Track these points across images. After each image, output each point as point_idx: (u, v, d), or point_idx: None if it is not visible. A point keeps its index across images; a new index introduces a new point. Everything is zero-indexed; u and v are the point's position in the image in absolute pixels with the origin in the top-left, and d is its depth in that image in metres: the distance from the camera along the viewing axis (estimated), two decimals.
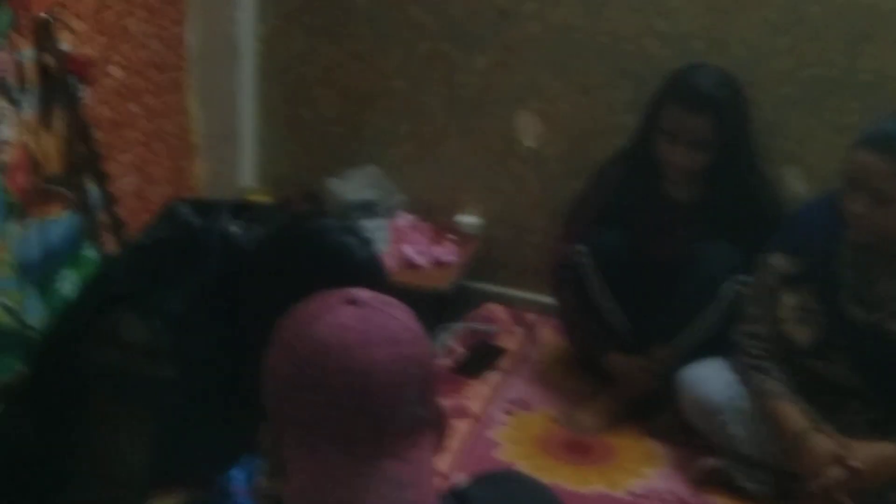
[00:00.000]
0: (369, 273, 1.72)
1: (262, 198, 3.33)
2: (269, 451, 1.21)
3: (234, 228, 1.78)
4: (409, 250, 3.18)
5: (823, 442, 2.38)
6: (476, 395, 2.92)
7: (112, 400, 1.71)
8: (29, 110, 2.40)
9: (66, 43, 2.44)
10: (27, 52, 2.36)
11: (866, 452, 2.34)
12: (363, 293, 1.20)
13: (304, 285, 1.68)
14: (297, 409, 1.15)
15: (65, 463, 1.74)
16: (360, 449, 1.14)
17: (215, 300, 1.74)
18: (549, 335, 3.21)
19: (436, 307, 3.27)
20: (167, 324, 1.71)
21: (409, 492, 1.16)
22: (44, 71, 2.41)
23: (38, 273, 2.45)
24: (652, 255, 2.82)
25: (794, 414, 2.44)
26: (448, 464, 2.59)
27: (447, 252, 3.23)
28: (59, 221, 2.51)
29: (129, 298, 1.73)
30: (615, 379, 2.84)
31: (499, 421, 2.81)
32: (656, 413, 2.82)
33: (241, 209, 1.86)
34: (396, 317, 1.19)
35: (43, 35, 2.38)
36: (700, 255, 2.72)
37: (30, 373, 1.93)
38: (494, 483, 1.32)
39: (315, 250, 1.73)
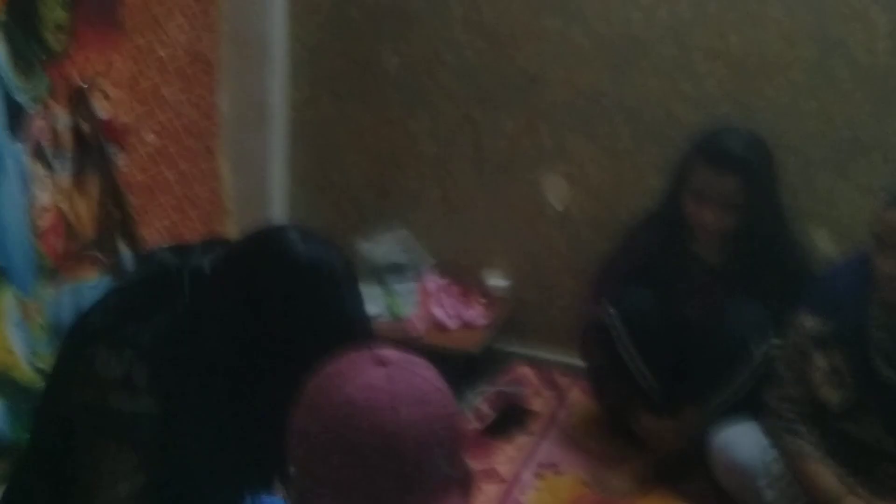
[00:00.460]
0: (309, 269, 1.71)
1: None
2: None
3: (204, 262, 1.80)
4: (438, 312, 3.19)
5: None
6: (505, 457, 2.90)
7: (95, 437, 1.70)
8: (65, 176, 2.44)
9: (102, 110, 2.50)
10: (64, 119, 2.42)
11: None
12: (391, 353, 1.21)
13: (257, 293, 1.70)
14: (328, 471, 1.15)
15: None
16: None
17: (189, 333, 1.74)
18: (579, 397, 3.20)
19: (465, 369, 3.27)
20: (139, 356, 1.71)
21: None
22: (79, 136, 2.47)
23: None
24: (681, 316, 2.81)
25: (827, 477, 2.41)
26: None
27: (476, 314, 3.23)
28: (92, 285, 2.55)
29: (102, 334, 1.74)
30: (645, 441, 2.82)
31: (529, 484, 2.79)
32: (687, 476, 2.79)
33: (213, 245, 1.88)
34: (424, 376, 1.20)
35: (79, 102, 2.44)
36: (730, 316, 2.71)
37: (30, 431, 1.95)
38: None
39: (258, 253, 1.74)
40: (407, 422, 1.15)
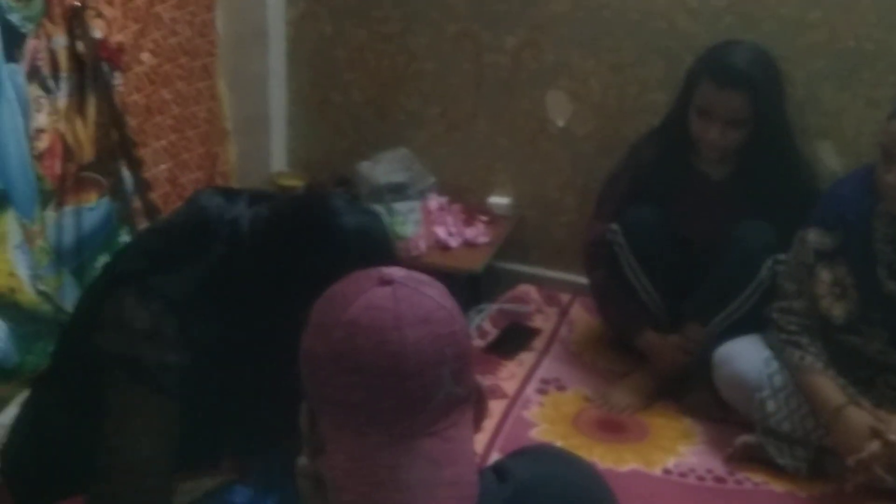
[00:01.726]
0: (355, 238, 1.71)
1: (293, 182, 3.34)
2: (309, 431, 1.21)
3: (248, 213, 1.79)
4: (440, 232, 3.19)
5: (861, 416, 2.37)
6: (510, 375, 2.92)
7: (122, 385, 1.71)
8: (62, 98, 2.42)
9: (97, 30, 2.46)
10: (59, 39, 2.39)
11: None
12: (396, 272, 1.20)
13: (297, 265, 1.69)
14: (334, 391, 1.15)
15: (87, 450, 1.76)
16: (396, 429, 1.14)
17: (221, 286, 1.73)
18: (581, 314, 3.21)
19: (468, 289, 3.28)
20: (167, 308, 1.70)
21: (448, 470, 1.16)
22: (76, 58, 2.44)
23: (73, 259, 2.49)
24: (685, 234, 2.81)
25: (830, 389, 2.43)
26: (483, 444, 2.59)
27: (478, 233, 3.23)
28: (93, 208, 2.54)
29: (132, 280, 1.74)
30: (649, 358, 2.83)
31: (533, 401, 2.81)
32: (691, 390, 2.81)
33: (263, 197, 1.86)
34: (430, 295, 1.19)
35: (75, 23, 2.40)
36: (738, 235, 2.70)
37: (52, 358, 1.95)
38: (533, 456, 1.31)
39: (304, 220, 1.73)
40: (412, 342, 1.14)
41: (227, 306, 1.72)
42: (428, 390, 1.15)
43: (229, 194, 1.86)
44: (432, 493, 1.14)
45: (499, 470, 1.21)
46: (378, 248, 1.73)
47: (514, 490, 1.19)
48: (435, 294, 1.20)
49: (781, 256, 2.62)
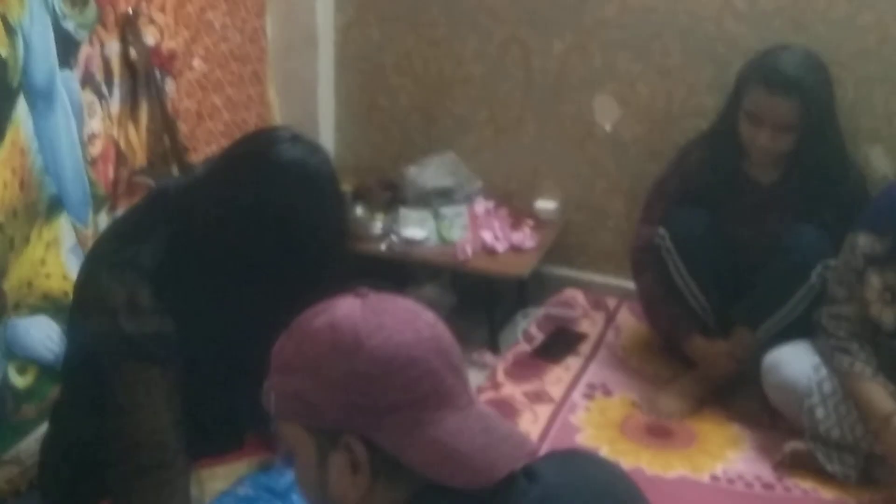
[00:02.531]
0: (293, 166, 1.73)
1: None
2: (348, 468, 1.21)
3: (198, 175, 1.82)
4: (487, 236, 3.19)
5: None
6: (556, 380, 2.92)
7: (115, 363, 1.73)
8: (115, 104, 2.46)
9: (150, 37, 2.50)
10: (113, 46, 2.43)
11: None
12: (370, 291, 1.25)
13: (242, 192, 1.71)
14: (396, 396, 1.17)
15: (106, 435, 1.78)
16: (461, 401, 1.21)
17: (187, 244, 1.76)
18: (628, 318, 3.20)
19: (514, 293, 3.28)
20: (142, 277, 1.73)
21: (507, 421, 1.27)
22: (129, 65, 2.48)
23: None
24: (734, 238, 2.79)
25: (880, 396, 2.41)
26: None
27: (525, 238, 3.23)
28: None
29: (105, 260, 1.77)
30: (697, 363, 2.82)
31: (580, 406, 2.81)
32: (739, 396, 2.79)
33: (206, 161, 1.91)
34: (389, 294, 1.26)
35: (128, 30, 2.45)
36: (789, 240, 2.68)
37: (62, 363, 1.99)
38: (563, 459, 1.34)
39: (244, 153, 1.76)
40: (433, 321, 1.22)
41: (196, 264, 1.74)
42: (461, 359, 1.24)
43: (184, 170, 1.93)
44: (521, 438, 1.24)
45: (528, 471, 1.23)
46: (318, 180, 1.75)
47: (542, 491, 1.21)
48: (409, 303, 1.26)
49: (832, 262, 2.60)
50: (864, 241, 2.47)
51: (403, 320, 1.20)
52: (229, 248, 1.71)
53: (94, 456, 1.83)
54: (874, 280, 2.45)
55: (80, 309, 1.81)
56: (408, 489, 1.19)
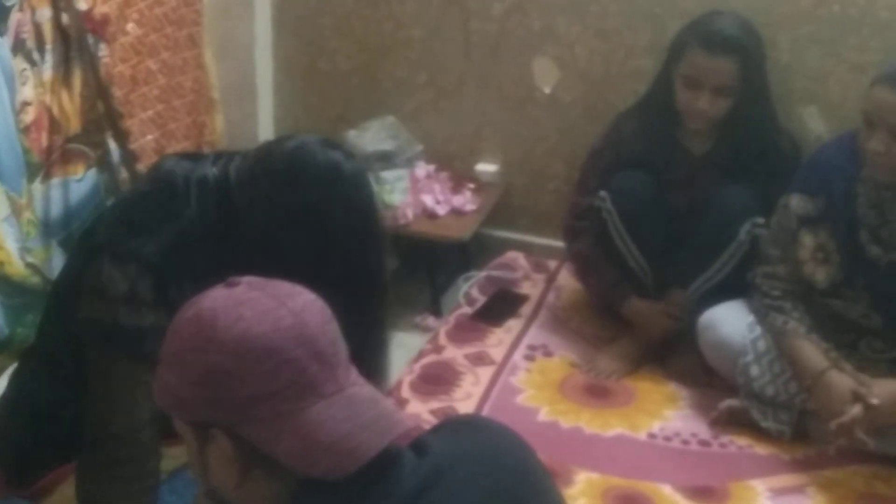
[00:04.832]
0: (357, 186, 1.73)
1: None
2: (201, 462, 1.22)
3: (212, 171, 1.80)
4: (428, 200, 3.19)
5: (842, 380, 2.39)
6: (497, 342, 2.95)
7: (106, 352, 1.73)
8: (48, 70, 2.42)
9: (82, 2, 2.45)
10: (44, 12, 2.38)
11: (885, 389, 2.35)
12: (235, 279, 1.25)
13: (298, 206, 1.70)
14: (256, 388, 1.16)
15: (75, 420, 1.77)
16: (328, 388, 1.19)
17: (201, 244, 1.75)
18: (570, 281, 3.22)
19: (456, 256, 3.30)
20: (146, 270, 1.72)
21: (386, 402, 1.25)
22: (61, 30, 2.43)
23: (61, 231, 2.49)
24: (669, 203, 2.82)
25: (813, 353, 2.46)
26: (471, 410, 2.62)
27: (466, 201, 3.24)
28: (80, 180, 2.54)
29: (107, 247, 1.75)
30: (635, 324, 2.86)
31: (520, 367, 2.84)
32: (676, 356, 2.84)
33: (223, 155, 1.87)
34: (269, 280, 1.26)
35: None
36: (717, 200, 2.73)
37: (37, 331, 1.97)
38: (454, 429, 1.34)
39: (301, 168, 1.73)
40: (299, 309, 1.20)
41: (205, 265, 1.72)
42: (334, 345, 1.21)
43: (194, 157, 1.89)
44: (392, 420, 1.21)
45: (417, 446, 1.24)
46: (352, 183, 1.74)
47: (431, 465, 1.22)
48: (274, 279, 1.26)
49: (760, 220, 2.65)
50: (796, 202, 2.51)
51: (264, 310, 1.18)
52: (268, 253, 1.68)
53: (54, 425, 1.84)
54: (807, 240, 2.50)
55: (75, 293, 1.78)
56: (288, 479, 1.19)
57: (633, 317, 2.84)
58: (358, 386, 1.23)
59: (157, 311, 1.71)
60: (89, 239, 1.85)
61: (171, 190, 1.80)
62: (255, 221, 1.72)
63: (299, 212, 1.70)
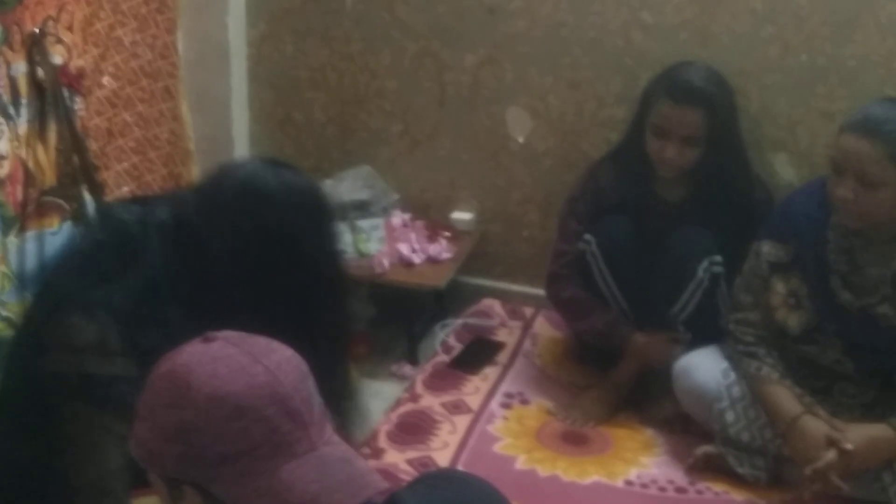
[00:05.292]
0: (313, 198, 1.75)
1: None
2: None
3: (167, 212, 1.80)
4: (404, 249, 3.21)
5: (817, 425, 2.41)
6: (474, 390, 2.95)
7: (74, 405, 1.71)
8: (23, 124, 2.43)
9: (58, 56, 2.47)
10: (19, 66, 2.40)
11: (859, 434, 2.37)
12: (213, 333, 1.25)
13: (258, 230, 1.70)
14: (226, 447, 1.17)
15: (44, 474, 1.76)
16: (300, 448, 1.19)
17: (167, 288, 1.74)
18: (545, 328, 3.24)
19: (432, 305, 3.31)
20: (115, 319, 1.71)
21: (359, 462, 1.24)
22: (37, 84, 2.45)
23: (36, 284, 2.48)
24: (645, 253, 2.83)
25: (787, 399, 2.47)
26: (448, 459, 2.62)
27: (442, 249, 3.25)
28: (55, 233, 2.54)
29: (74, 300, 1.75)
30: (639, 357, 2.82)
31: (497, 415, 2.84)
32: (653, 402, 2.85)
33: (171, 195, 1.89)
34: (253, 335, 1.25)
35: (35, 49, 2.41)
36: (674, 240, 2.76)
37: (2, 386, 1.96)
38: (430, 483, 1.35)
39: (254, 192, 1.74)
40: (273, 367, 1.20)
41: (173, 308, 1.72)
42: (307, 404, 1.21)
43: (140, 201, 1.89)
44: (364, 481, 1.21)
45: (392, 501, 1.24)
46: (309, 197, 1.76)
47: None
48: (255, 334, 1.26)
49: (717, 258, 2.69)
50: (767, 249, 2.54)
51: (238, 367, 1.18)
52: (233, 284, 1.69)
53: (21, 482, 1.81)
54: (779, 286, 2.52)
55: (39, 347, 1.77)
56: None
57: (639, 349, 2.81)
58: (331, 445, 1.22)
59: (125, 361, 1.71)
60: (49, 292, 1.84)
61: (128, 236, 1.81)
62: (217, 254, 1.72)
63: (260, 235, 1.71)
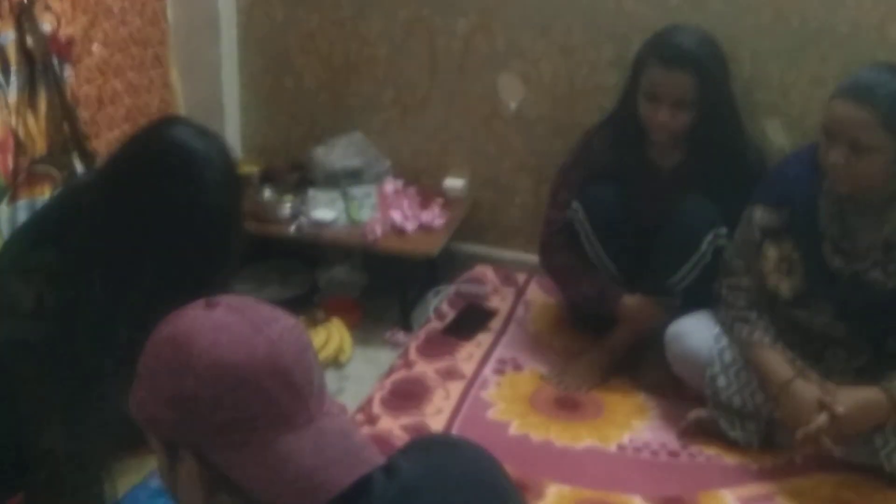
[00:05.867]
0: (185, 154, 1.77)
1: (248, 168, 3.34)
2: (172, 479, 1.23)
3: (91, 174, 1.83)
4: (396, 216, 3.21)
5: (808, 389, 2.42)
6: (467, 356, 2.96)
7: (22, 371, 1.72)
8: (13, 92, 2.41)
9: (46, 24, 2.46)
10: (8, 34, 2.38)
11: (850, 398, 2.37)
12: (216, 298, 1.25)
13: (149, 192, 1.72)
14: (224, 415, 1.17)
15: (18, 441, 1.77)
16: (299, 420, 1.19)
17: (92, 247, 1.75)
18: (538, 294, 3.25)
19: (425, 272, 3.31)
20: (50, 279, 1.72)
21: (356, 436, 1.24)
22: (26, 53, 2.43)
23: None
24: (640, 221, 2.84)
25: (778, 363, 2.49)
26: (442, 425, 2.63)
27: (434, 216, 3.25)
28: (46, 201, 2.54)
29: (12, 265, 1.75)
30: (628, 320, 2.83)
31: (490, 381, 2.85)
32: (645, 367, 2.86)
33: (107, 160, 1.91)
34: (255, 301, 1.25)
35: (23, 17, 2.39)
36: (680, 211, 2.75)
37: None
38: (423, 448, 1.35)
39: (139, 143, 1.79)
40: (276, 337, 1.19)
41: (104, 263, 1.73)
42: (307, 375, 1.20)
43: (92, 169, 1.91)
44: (359, 457, 1.20)
45: (387, 467, 1.24)
46: (202, 163, 1.77)
47: (400, 487, 1.23)
48: (257, 300, 1.25)
49: (723, 231, 2.68)
50: (760, 214, 2.55)
51: (240, 338, 1.18)
52: (120, 236, 1.70)
53: (6, 453, 1.82)
54: (771, 252, 2.53)
55: None
56: None
57: (629, 312, 2.82)
58: (330, 417, 1.22)
59: (67, 319, 1.71)
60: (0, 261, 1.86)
61: (70, 198, 1.82)
62: (125, 203, 1.75)
63: (163, 196, 1.74)
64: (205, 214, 1.74)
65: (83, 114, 2.64)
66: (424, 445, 1.38)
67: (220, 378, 1.16)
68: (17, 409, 1.74)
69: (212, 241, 1.74)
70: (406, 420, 2.65)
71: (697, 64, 2.69)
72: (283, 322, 1.23)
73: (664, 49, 2.72)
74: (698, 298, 2.73)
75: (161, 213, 1.70)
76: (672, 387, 2.76)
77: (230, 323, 1.20)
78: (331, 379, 2.80)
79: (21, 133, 2.44)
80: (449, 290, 3.28)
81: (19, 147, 2.44)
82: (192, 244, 1.71)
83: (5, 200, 2.43)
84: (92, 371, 1.73)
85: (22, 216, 2.47)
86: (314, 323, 3.04)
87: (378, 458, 1.23)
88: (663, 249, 2.78)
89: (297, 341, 1.22)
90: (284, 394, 1.18)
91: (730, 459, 2.55)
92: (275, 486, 1.16)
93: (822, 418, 2.37)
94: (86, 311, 1.72)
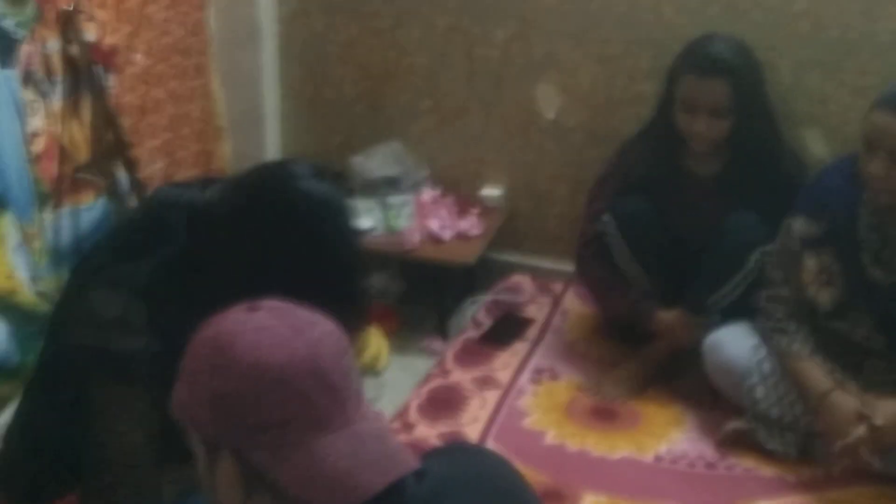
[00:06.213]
0: (340, 220, 1.74)
1: None
2: (210, 479, 1.24)
3: (199, 197, 1.82)
4: (434, 224, 3.22)
5: (847, 401, 2.40)
6: (504, 365, 2.96)
7: (97, 378, 1.74)
8: (57, 101, 2.45)
9: (90, 33, 2.49)
10: (53, 43, 2.42)
11: (889, 410, 2.35)
12: (259, 302, 1.26)
13: (266, 237, 1.72)
14: (264, 416, 1.18)
15: (78, 448, 1.79)
16: (336, 423, 1.20)
17: (186, 268, 1.76)
18: (575, 303, 3.25)
19: (462, 280, 3.32)
20: (135, 295, 1.73)
21: (391, 440, 1.26)
22: (70, 61, 2.47)
23: (72, 260, 2.52)
24: (677, 231, 2.83)
25: (817, 374, 2.47)
26: (478, 434, 2.64)
27: (471, 225, 3.26)
28: (90, 208, 2.58)
29: (100, 273, 1.77)
30: (662, 336, 2.83)
31: (527, 390, 2.85)
32: (682, 377, 2.85)
33: (211, 181, 1.89)
34: (295, 306, 1.26)
35: (68, 26, 2.43)
36: (727, 228, 2.73)
37: (38, 360, 1.99)
38: (448, 453, 1.37)
39: (263, 187, 1.75)
40: (315, 340, 1.21)
41: (195, 290, 1.73)
42: (346, 379, 1.22)
43: (180, 185, 1.92)
44: (394, 460, 1.22)
45: (417, 472, 1.26)
46: (336, 217, 1.75)
47: (430, 489, 1.24)
48: (298, 305, 1.26)
49: (769, 248, 2.66)
50: (799, 225, 2.53)
51: (281, 340, 1.20)
52: (242, 277, 1.69)
53: (59, 453, 1.85)
54: (810, 262, 2.51)
55: (68, 320, 1.81)
56: None
57: (663, 327, 2.81)
58: (366, 421, 1.24)
59: (149, 337, 1.73)
60: (82, 268, 1.88)
61: (158, 216, 1.84)
62: (239, 251, 1.73)
63: (284, 245, 1.71)
64: (339, 261, 1.75)
65: (126, 122, 2.68)
66: (448, 450, 1.41)
67: (259, 379, 1.18)
68: (84, 413, 1.76)
69: (342, 292, 1.74)
70: (442, 428, 2.65)
71: (731, 71, 2.69)
72: (323, 326, 1.24)
73: (697, 58, 2.71)
74: (737, 314, 2.72)
75: (284, 262, 1.70)
76: (709, 397, 2.74)
77: (271, 325, 1.21)
78: (367, 386, 2.81)
79: (65, 141, 2.48)
80: (486, 298, 3.29)
81: (63, 155, 2.48)
82: (322, 295, 1.72)
83: (49, 207, 2.46)
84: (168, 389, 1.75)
85: (66, 223, 2.51)
86: None
87: (412, 463, 1.25)
88: (709, 267, 2.77)
89: (336, 345, 1.24)
90: (323, 396, 1.19)
91: (767, 471, 2.53)
92: (311, 486, 1.18)
93: (860, 430, 2.35)
94: (171, 334, 1.74)
